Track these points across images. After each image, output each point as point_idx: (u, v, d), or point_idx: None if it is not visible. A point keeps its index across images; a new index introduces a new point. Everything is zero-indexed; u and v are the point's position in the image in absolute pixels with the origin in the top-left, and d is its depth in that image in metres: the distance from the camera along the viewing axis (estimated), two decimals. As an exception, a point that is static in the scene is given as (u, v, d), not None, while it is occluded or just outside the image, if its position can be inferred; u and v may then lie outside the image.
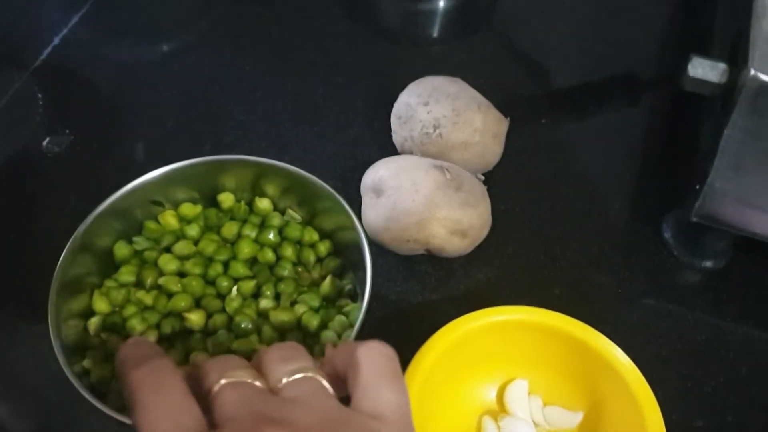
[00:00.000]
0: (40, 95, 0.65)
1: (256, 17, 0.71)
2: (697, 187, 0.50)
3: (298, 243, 0.51)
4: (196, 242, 0.49)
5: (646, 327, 0.53)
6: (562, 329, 0.46)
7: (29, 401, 0.49)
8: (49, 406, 0.49)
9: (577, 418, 0.47)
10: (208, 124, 0.63)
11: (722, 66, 0.47)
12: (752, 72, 0.44)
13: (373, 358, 0.32)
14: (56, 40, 0.68)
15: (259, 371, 0.32)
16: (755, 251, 0.55)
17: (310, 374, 0.32)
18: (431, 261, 0.55)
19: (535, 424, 0.47)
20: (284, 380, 0.31)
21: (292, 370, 0.32)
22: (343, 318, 0.47)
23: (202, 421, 0.30)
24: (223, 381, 0.31)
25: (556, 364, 0.47)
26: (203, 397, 0.31)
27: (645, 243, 0.57)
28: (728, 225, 0.51)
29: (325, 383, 0.32)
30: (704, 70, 0.47)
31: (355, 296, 0.49)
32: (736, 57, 0.47)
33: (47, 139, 0.61)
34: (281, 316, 0.47)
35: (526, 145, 0.61)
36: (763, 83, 0.44)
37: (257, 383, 0.31)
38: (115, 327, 0.46)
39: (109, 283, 0.47)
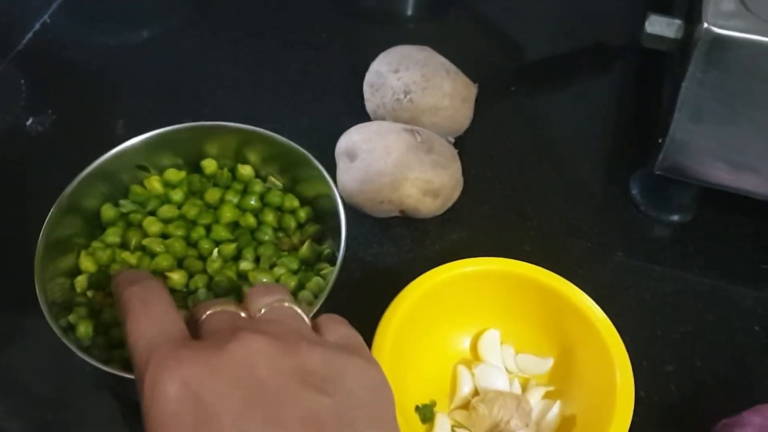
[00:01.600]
0: (22, 79, 0.66)
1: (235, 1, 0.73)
2: (660, 140, 0.52)
3: (279, 209, 0.52)
4: (179, 206, 0.51)
5: (616, 281, 0.55)
6: (533, 278, 0.48)
7: (17, 360, 0.51)
8: (38, 365, 0.50)
9: (547, 364, 0.48)
10: (188, 102, 0.64)
11: (677, 22, 0.49)
12: (705, 26, 0.46)
13: (329, 316, 0.36)
14: (37, 26, 0.69)
15: (244, 308, 0.35)
16: (719, 205, 0.57)
17: (287, 304, 0.34)
18: (406, 223, 0.56)
19: (508, 371, 0.49)
20: (263, 310, 0.34)
21: (271, 301, 0.35)
22: (320, 279, 0.49)
23: (185, 330, 0.33)
24: (209, 311, 0.34)
25: (527, 313, 0.49)
26: (192, 328, 0.34)
27: (614, 201, 0.59)
28: (690, 176, 0.53)
29: (300, 311, 0.34)
30: (661, 26, 0.50)
31: (334, 261, 0.50)
32: (692, 13, 0.49)
33: (30, 120, 0.63)
34: (260, 276, 0.48)
35: (496, 112, 0.63)
36: (716, 36, 0.46)
37: (240, 313, 0.34)
38: (101, 285, 0.47)
39: (95, 244, 0.49)
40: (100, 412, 0.50)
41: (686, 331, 0.53)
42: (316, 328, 0.35)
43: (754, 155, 0.50)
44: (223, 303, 0.35)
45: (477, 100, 0.60)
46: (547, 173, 0.61)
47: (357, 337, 0.36)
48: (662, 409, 0.49)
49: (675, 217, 0.57)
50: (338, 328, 0.35)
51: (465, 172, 0.56)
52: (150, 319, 0.33)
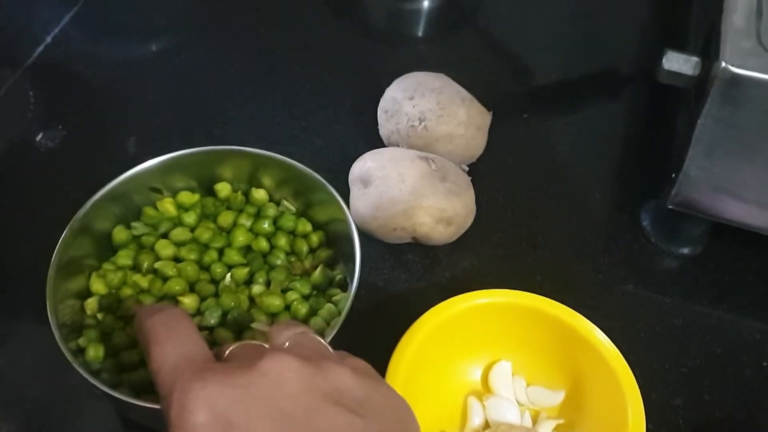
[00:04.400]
0: (32, 92, 0.66)
1: (245, 17, 0.73)
2: (673, 175, 0.52)
3: (292, 233, 0.52)
4: (192, 229, 0.51)
5: (625, 311, 0.55)
6: (544, 311, 0.48)
7: (26, 380, 0.50)
8: (46, 387, 0.50)
9: (558, 396, 0.48)
10: (199, 119, 0.64)
11: (695, 59, 0.49)
12: (723, 64, 0.46)
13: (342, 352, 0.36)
14: (48, 39, 0.69)
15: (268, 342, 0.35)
16: (729, 238, 0.57)
17: (311, 334, 0.35)
18: (417, 250, 0.56)
19: (519, 404, 0.49)
20: (288, 343, 0.34)
21: (294, 333, 0.35)
22: (332, 306, 0.49)
23: (210, 353, 0.33)
24: (234, 346, 0.34)
25: (538, 345, 0.49)
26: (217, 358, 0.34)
27: (624, 231, 0.59)
28: (703, 212, 0.53)
29: (325, 342, 0.35)
30: (678, 63, 0.50)
31: (345, 286, 0.51)
32: (709, 50, 0.49)
33: (40, 135, 0.62)
34: (271, 300, 0.48)
35: (509, 139, 0.63)
36: (733, 75, 0.46)
37: (265, 345, 0.34)
38: (112, 308, 0.47)
39: (106, 266, 0.49)
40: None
41: (694, 364, 0.53)
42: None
43: (764, 193, 0.51)
44: (248, 339, 0.35)
45: (490, 127, 0.60)
46: (558, 202, 0.61)
47: (373, 369, 0.36)
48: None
49: (685, 250, 0.57)
50: (355, 360, 0.35)
51: (477, 199, 0.56)
52: (174, 344, 0.33)
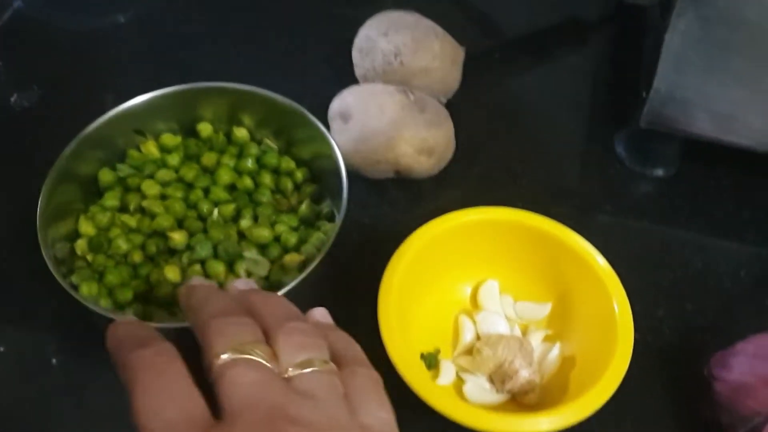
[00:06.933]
0: (1, 55, 0.66)
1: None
2: (644, 94, 0.54)
3: (276, 171, 0.53)
4: (176, 170, 0.51)
5: (605, 234, 0.56)
6: (529, 224, 0.49)
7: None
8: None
9: (546, 309, 0.50)
10: (174, 75, 0.63)
11: (659, -25, 0.51)
12: (687, -24, 0.47)
13: (365, 379, 0.32)
14: (17, 3, 0.69)
15: (266, 336, 0.31)
16: (701, 159, 0.59)
17: (325, 369, 0.30)
18: (401, 184, 0.57)
19: (508, 319, 0.50)
20: (297, 371, 0.30)
21: (306, 359, 0.30)
22: (321, 235, 0.50)
23: (208, 413, 0.28)
24: (230, 356, 0.29)
25: (524, 260, 0.50)
26: (206, 368, 0.29)
27: (599, 158, 0.61)
28: (674, 128, 0.54)
29: (337, 381, 0.30)
30: (643, -20, 0.51)
31: (333, 219, 0.51)
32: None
33: (15, 96, 0.62)
34: (261, 232, 0.49)
35: (483, 78, 0.64)
36: (697, -14, 0.47)
37: (268, 365, 0.29)
38: (102, 248, 0.48)
39: (94, 208, 0.49)
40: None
41: (675, 278, 0.55)
42: (351, 393, 0.31)
43: (736, 104, 0.52)
44: (247, 340, 0.30)
45: (464, 66, 0.61)
46: (534, 136, 0.62)
47: (392, 422, 0.31)
48: (657, 349, 0.50)
49: (659, 172, 0.59)
50: (375, 409, 0.31)
51: (456, 134, 0.57)
52: (168, 395, 0.28)
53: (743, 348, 0.44)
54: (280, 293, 0.43)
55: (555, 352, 0.47)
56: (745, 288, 0.54)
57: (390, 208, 0.57)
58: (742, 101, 0.52)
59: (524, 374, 0.45)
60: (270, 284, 0.47)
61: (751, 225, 0.57)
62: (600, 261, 0.47)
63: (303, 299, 0.47)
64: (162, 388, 0.28)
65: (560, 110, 0.64)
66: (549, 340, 0.49)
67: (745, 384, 0.43)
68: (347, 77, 0.61)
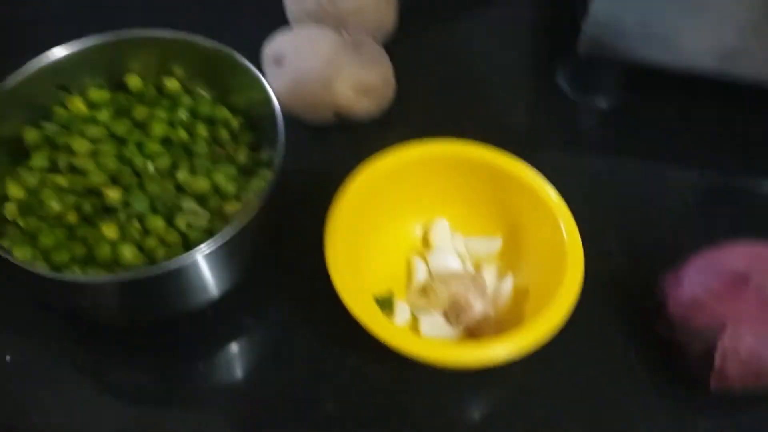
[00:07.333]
0: None
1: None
2: (581, 22, 0.53)
3: (211, 121, 0.51)
4: (107, 127, 0.49)
5: (553, 167, 0.55)
6: (475, 156, 0.48)
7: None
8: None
9: (496, 243, 0.49)
10: (97, 24, 0.61)
11: None
12: None
13: None
14: None
15: None
16: (643, 91, 0.59)
17: None
18: (342, 128, 0.56)
19: (460, 256, 0.49)
20: None
21: None
22: (261, 182, 0.48)
23: None
24: None
25: (472, 196, 0.49)
26: None
27: (543, 93, 0.61)
28: (612, 53, 0.54)
29: None
30: None
31: (273, 166, 0.50)
32: None
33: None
34: (199, 183, 0.47)
35: (420, 20, 0.63)
36: None
37: None
38: (33, 210, 0.45)
39: (21, 169, 0.47)
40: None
41: (623, 206, 0.55)
42: None
43: (673, 26, 0.52)
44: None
45: (402, 7, 0.59)
46: (477, 73, 0.61)
47: None
48: (609, 275, 0.50)
49: (602, 102, 0.59)
50: None
51: (398, 78, 0.56)
52: None
53: (693, 263, 0.45)
54: (221, 242, 0.41)
55: (508, 284, 0.47)
56: (691, 210, 0.55)
57: (333, 152, 0.56)
58: (680, 22, 0.51)
59: (478, 307, 0.45)
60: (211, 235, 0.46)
61: (694, 149, 0.58)
62: (548, 191, 0.47)
63: (246, 249, 0.46)
64: None
65: (501, 47, 0.63)
66: (502, 273, 0.48)
67: (697, 299, 0.43)
68: (279, 22, 0.59)
